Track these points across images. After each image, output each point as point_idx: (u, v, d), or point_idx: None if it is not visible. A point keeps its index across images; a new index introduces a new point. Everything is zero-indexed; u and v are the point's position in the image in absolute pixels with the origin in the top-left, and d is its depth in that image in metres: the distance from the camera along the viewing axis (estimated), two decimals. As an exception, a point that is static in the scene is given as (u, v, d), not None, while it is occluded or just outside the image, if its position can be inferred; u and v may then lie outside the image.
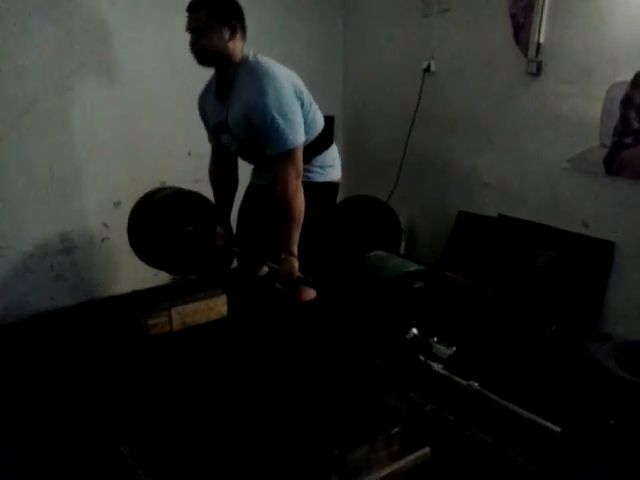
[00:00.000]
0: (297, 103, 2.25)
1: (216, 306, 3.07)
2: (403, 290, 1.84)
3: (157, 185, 3.46)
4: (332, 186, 2.61)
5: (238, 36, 2.25)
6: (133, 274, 3.06)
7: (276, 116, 2.16)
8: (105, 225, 3.54)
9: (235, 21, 2.24)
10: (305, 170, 2.40)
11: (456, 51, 3.53)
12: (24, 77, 3.10)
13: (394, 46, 3.94)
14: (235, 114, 2.27)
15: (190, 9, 2.23)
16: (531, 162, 3.22)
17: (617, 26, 2.75)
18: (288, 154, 2.20)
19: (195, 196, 2.80)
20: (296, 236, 2.29)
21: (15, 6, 3.00)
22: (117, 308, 3.31)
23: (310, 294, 2.56)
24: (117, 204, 3.53)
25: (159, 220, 2.72)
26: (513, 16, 3.16)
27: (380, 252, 2.08)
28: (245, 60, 2.27)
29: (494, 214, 3.45)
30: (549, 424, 2.03)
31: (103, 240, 3.54)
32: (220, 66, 2.31)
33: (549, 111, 3.08)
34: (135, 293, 3.16)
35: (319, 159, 2.49)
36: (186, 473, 1.99)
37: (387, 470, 1.96)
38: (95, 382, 2.60)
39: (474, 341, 2.79)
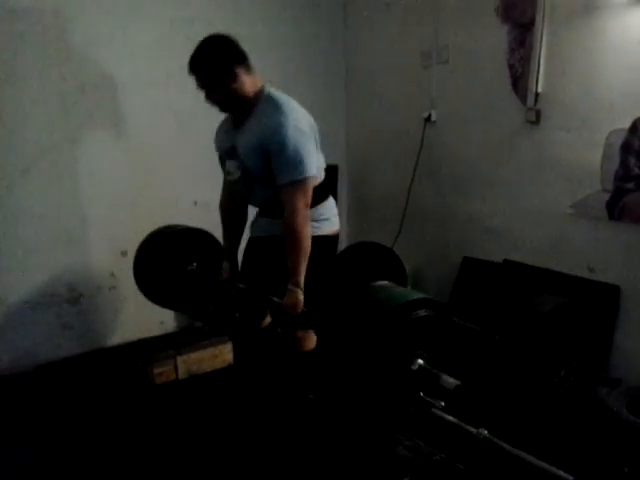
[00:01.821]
0: (312, 138, 2.31)
1: (221, 354, 3.07)
2: (407, 318, 1.81)
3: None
4: (328, 240, 2.54)
5: (243, 76, 2.29)
6: (139, 322, 3.08)
7: (293, 144, 2.19)
8: (112, 274, 3.57)
9: (235, 65, 2.27)
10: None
11: (456, 101, 3.61)
12: (33, 129, 3.20)
13: (396, 96, 4.04)
14: (249, 139, 2.30)
15: (191, 72, 2.32)
16: (534, 208, 3.25)
17: (613, 74, 2.81)
18: (300, 183, 2.21)
19: (200, 233, 2.84)
20: (303, 267, 2.27)
21: (27, 61, 3.11)
22: (123, 357, 3.32)
23: (311, 343, 2.53)
24: (124, 253, 3.55)
25: (163, 256, 2.76)
26: (511, 67, 3.24)
27: (384, 282, 2.06)
28: (262, 93, 2.33)
29: (499, 259, 3.46)
30: (562, 473, 2.00)
31: (110, 289, 3.57)
32: (239, 106, 2.36)
33: (550, 158, 3.12)
34: (141, 342, 3.16)
35: (314, 212, 2.41)
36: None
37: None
38: (101, 431, 2.58)
39: (482, 387, 2.77)
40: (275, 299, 2.36)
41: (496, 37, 3.28)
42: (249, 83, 2.31)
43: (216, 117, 3.77)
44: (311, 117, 2.42)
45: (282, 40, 4.05)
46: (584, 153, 2.96)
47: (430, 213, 3.92)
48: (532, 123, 3.18)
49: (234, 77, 2.26)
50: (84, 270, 3.49)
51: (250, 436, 2.42)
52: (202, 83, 2.32)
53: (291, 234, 2.25)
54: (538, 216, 3.23)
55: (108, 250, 3.54)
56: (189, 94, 3.62)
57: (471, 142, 3.57)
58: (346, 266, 3.54)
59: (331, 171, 4.43)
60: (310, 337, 2.54)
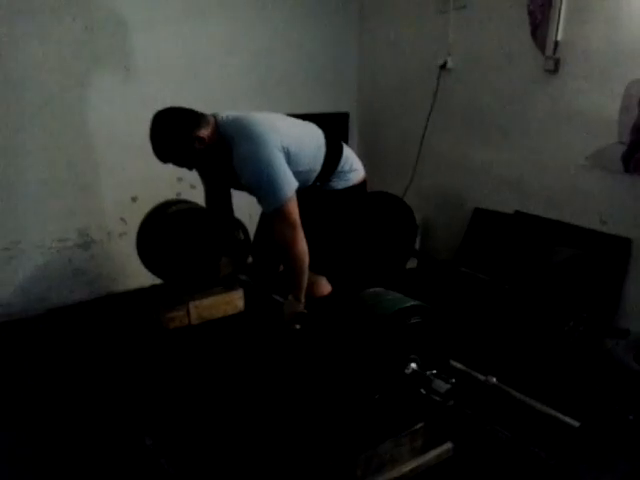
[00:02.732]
0: (279, 157, 2.22)
1: (233, 300, 3.09)
2: (400, 325, 1.85)
3: (174, 181, 3.54)
4: (356, 189, 2.60)
5: (203, 132, 2.23)
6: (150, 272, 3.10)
7: (259, 181, 2.19)
8: (122, 220, 3.58)
9: (192, 131, 2.22)
10: (328, 181, 2.49)
11: (473, 48, 3.53)
12: (44, 71, 3.16)
13: (410, 42, 3.96)
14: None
15: (163, 162, 2.30)
16: (548, 159, 3.22)
17: (636, 23, 2.74)
18: (279, 209, 2.22)
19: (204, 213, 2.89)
20: (302, 282, 2.32)
21: (35, 4, 3.04)
22: (136, 302, 3.36)
23: (324, 289, 2.59)
24: (134, 199, 3.58)
25: (168, 235, 2.83)
26: (531, 13, 3.15)
27: (377, 289, 2.10)
28: (220, 134, 2.27)
29: (510, 211, 3.45)
30: (568, 419, 2.05)
31: (121, 235, 3.59)
32: (217, 155, 2.31)
33: (567, 108, 3.07)
34: (154, 287, 3.19)
35: (339, 170, 2.51)
36: (207, 463, 2.02)
37: (411, 465, 1.98)
38: (115, 375, 2.63)
39: (492, 335, 2.81)
40: (277, 298, 2.46)
41: (517, -19, 3.19)
42: (210, 132, 2.25)
43: (228, 63, 3.76)
44: (279, 121, 2.36)
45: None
46: (602, 104, 2.91)
47: (443, 162, 3.89)
48: (550, 72, 3.12)
49: (200, 141, 2.23)
50: (95, 215, 3.51)
51: (262, 378, 2.47)
52: (179, 165, 2.32)
53: (285, 256, 2.29)
54: (552, 167, 3.20)
55: (118, 196, 3.55)
56: (202, 35, 3.62)
57: (487, 90, 3.51)
58: (365, 218, 3.55)
59: (342, 118, 4.43)
60: (322, 282, 2.60)
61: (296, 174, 2.32)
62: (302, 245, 2.26)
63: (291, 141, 2.28)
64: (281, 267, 2.74)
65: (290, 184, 2.21)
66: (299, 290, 2.31)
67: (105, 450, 2.16)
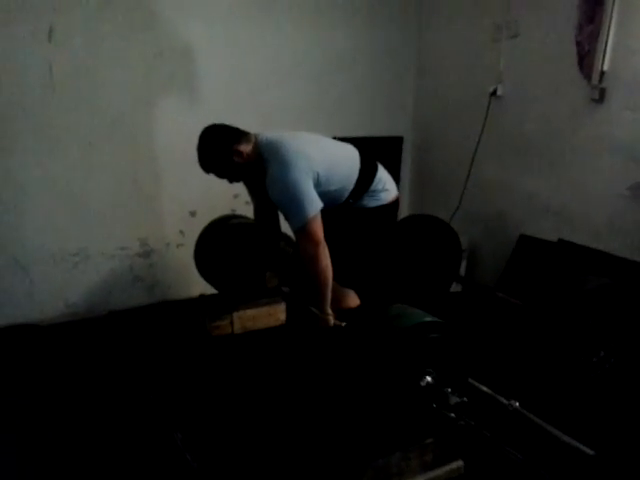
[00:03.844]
0: (306, 180, 2.38)
1: (275, 313, 3.24)
2: (418, 338, 1.95)
3: (230, 197, 3.75)
4: (387, 208, 2.73)
5: (243, 147, 2.46)
6: (202, 279, 3.31)
7: (285, 200, 2.39)
8: (181, 232, 3.83)
9: (233, 145, 2.45)
10: (360, 199, 2.64)
11: (522, 76, 3.58)
12: (115, 92, 3.46)
13: (463, 69, 4.05)
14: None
15: (206, 173, 2.57)
16: (591, 188, 3.22)
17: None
18: (303, 227, 2.38)
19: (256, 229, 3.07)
20: (327, 296, 2.47)
21: (112, 30, 3.36)
22: (186, 309, 3.58)
23: (352, 301, 2.71)
24: (193, 213, 3.81)
25: (227, 245, 3.03)
26: (578, 43, 3.18)
27: (400, 304, 2.20)
28: (258, 153, 2.48)
29: (554, 238, 3.45)
30: (583, 447, 2.06)
31: (178, 246, 3.84)
32: (254, 171, 2.52)
33: (611, 137, 3.08)
34: (202, 297, 3.39)
35: (371, 190, 2.65)
36: (227, 462, 2.16)
37: (419, 479, 2.03)
38: (161, 374, 2.84)
39: (520, 361, 2.83)
40: (314, 310, 2.57)
41: (566, 13, 3.23)
42: (250, 148, 2.48)
43: (287, 85, 3.95)
44: (310, 144, 2.51)
45: (354, 13, 4.13)
46: (646, 134, 2.90)
47: (490, 188, 3.93)
48: (596, 101, 3.13)
49: (239, 155, 2.45)
50: (156, 227, 3.77)
51: (293, 388, 2.60)
52: (220, 176, 2.57)
53: (308, 271, 2.45)
54: (595, 196, 3.20)
55: (178, 209, 3.81)
56: (261, 61, 3.84)
57: (534, 118, 3.55)
58: (402, 238, 3.65)
59: (396, 142, 4.54)
60: (350, 296, 2.76)
61: (328, 193, 2.48)
62: (325, 261, 2.41)
63: (321, 165, 2.44)
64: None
65: (314, 205, 2.36)
66: (323, 303, 2.46)
67: (138, 442, 2.35)
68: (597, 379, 2.61)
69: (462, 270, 4.02)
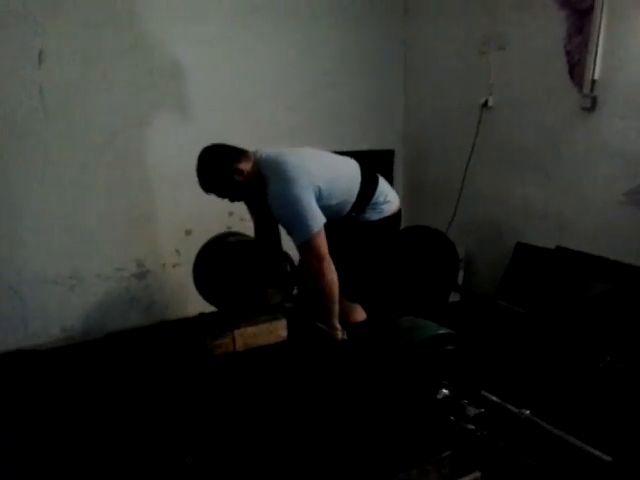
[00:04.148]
0: (308, 195, 2.37)
1: (276, 330, 3.21)
2: (434, 351, 1.95)
3: (225, 215, 3.73)
4: (389, 220, 2.73)
5: (243, 165, 2.44)
6: (201, 297, 3.27)
7: (288, 216, 2.38)
8: (177, 251, 3.80)
9: (233, 164, 2.43)
10: (362, 212, 2.63)
11: (513, 87, 3.63)
12: (106, 112, 3.43)
13: (453, 82, 4.09)
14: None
15: (207, 193, 2.53)
16: (587, 195, 3.26)
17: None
18: (307, 243, 2.37)
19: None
20: (334, 310, 2.45)
21: (102, 51, 3.34)
22: (185, 329, 3.54)
23: (358, 315, 2.70)
24: (188, 232, 3.79)
25: (225, 263, 2.98)
26: (568, 53, 3.23)
27: (409, 317, 2.20)
28: (258, 170, 2.47)
29: (552, 246, 3.48)
30: (599, 453, 2.06)
31: (174, 266, 3.80)
32: (254, 189, 2.50)
33: (604, 145, 3.12)
34: (202, 315, 3.36)
35: (373, 202, 2.65)
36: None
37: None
38: (163, 396, 2.79)
39: (527, 369, 2.83)
40: (320, 325, 2.57)
41: (554, 23, 3.29)
42: (250, 166, 2.46)
43: (278, 101, 3.96)
44: (311, 159, 2.51)
45: (342, 28, 4.16)
46: (638, 141, 2.94)
47: (485, 198, 3.96)
48: (587, 110, 3.18)
49: (239, 173, 2.44)
50: (151, 247, 3.74)
51: (299, 405, 2.57)
52: (221, 196, 2.54)
53: (314, 286, 2.44)
54: (591, 203, 3.24)
55: (173, 229, 3.77)
56: (251, 81, 3.85)
57: (527, 128, 3.59)
58: (400, 249, 3.65)
59: (387, 155, 4.57)
60: (357, 309, 2.75)
61: (330, 207, 2.47)
62: (330, 275, 2.40)
63: (322, 179, 2.43)
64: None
65: (317, 220, 2.35)
66: (330, 317, 2.44)
67: (148, 466, 2.30)
68: (605, 383, 2.62)
69: (460, 280, 4.03)
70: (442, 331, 2.01)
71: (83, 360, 3.29)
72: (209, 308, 3.27)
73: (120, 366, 3.17)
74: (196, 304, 3.44)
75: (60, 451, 2.44)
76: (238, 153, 2.46)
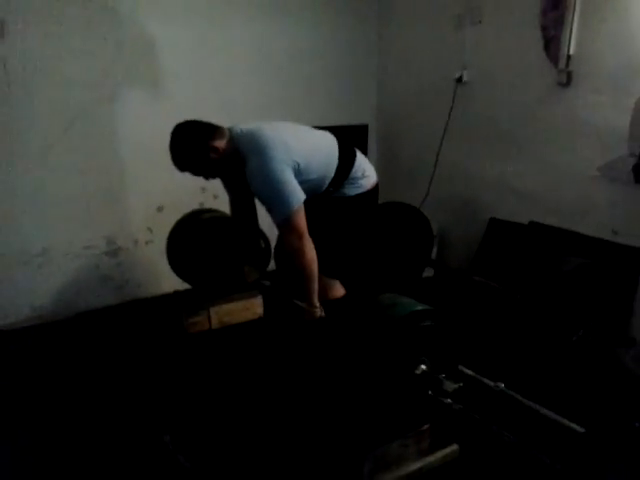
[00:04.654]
0: (287, 171, 2.33)
1: (252, 307, 3.20)
2: (412, 327, 1.95)
3: (197, 191, 3.67)
4: (367, 195, 2.71)
5: (218, 142, 2.38)
6: (174, 275, 3.23)
7: (267, 194, 2.34)
8: (149, 229, 3.73)
9: (208, 141, 2.37)
10: (340, 187, 2.60)
11: (488, 62, 3.62)
12: (75, 87, 3.32)
13: (427, 56, 4.05)
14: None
15: (181, 171, 2.47)
16: (561, 170, 3.27)
17: (647, 37, 2.80)
18: (287, 220, 2.34)
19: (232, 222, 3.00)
20: (313, 288, 2.42)
21: (68, 23, 3.22)
22: (159, 307, 3.49)
23: (337, 291, 2.70)
24: (160, 209, 3.72)
25: (200, 240, 2.95)
26: (544, 28, 3.22)
27: (390, 294, 2.20)
28: (234, 146, 2.41)
29: (525, 221, 3.50)
30: (573, 424, 2.10)
31: (147, 243, 3.74)
32: (231, 165, 2.45)
33: (579, 120, 3.13)
34: (176, 293, 3.32)
35: (352, 176, 2.63)
36: (220, 459, 2.12)
37: (416, 465, 2.05)
38: (138, 376, 2.76)
39: (502, 343, 2.87)
40: (299, 303, 2.54)
41: (529, -1, 3.27)
42: (225, 142, 2.40)
43: (251, 77, 3.89)
44: (288, 131, 2.47)
45: (317, 2, 4.09)
46: (614, 116, 2.96)
47: (459, 174, 3.97)
48: (563, 85, 3.18)
49: (214, 150, 2.37)
50: (122, 224, 3.66)
51: (278, 379, 2.57)
52: (196, 174, 2.48)
53: (294, 264, 2.40)
54: (565, 178, 3.26)
55: (145, 206, 3.71)
56: (223, 56, 3.76)
57: (502, 103, 3.59)
58: (376, 224, 3.63)
59: (361, 131, 4.53)
60: (335, 286, 2.73)
61: (308, 182, 2.44)
62: (310, 253, 2.37)
63: (301, 154, 2.40)
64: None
65: (296, 197, 2.32)
66: (310, 295, 2.42)
67: (126, 446, 2.27)
68: (578, 357, 2.67)
69: (433, 255, 4.04)
70: (420, 307, 2.02)
71: (54, 339, 3.23)
72: (183, 285, 3.24)
73: (92, 345, 3.12)
74: (169, 282, 3.41)
75: (33, 432, 2.40)
76: (213, 130, 2.40)
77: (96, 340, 3.18)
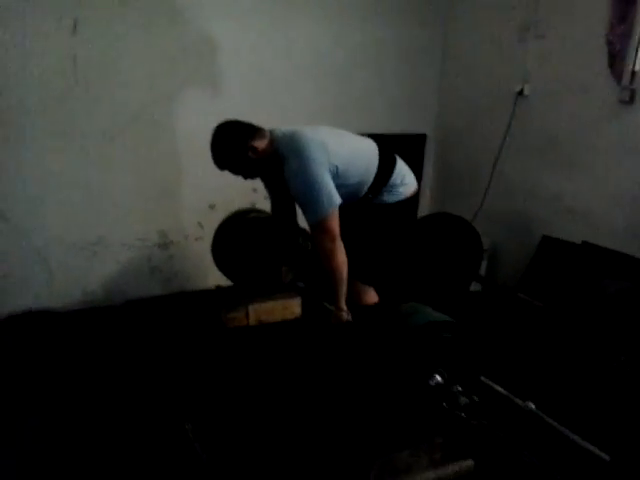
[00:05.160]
0: (325, 174, 2.34)
1: (290, 306, 3.22)
2: (427, 337, 1.93)
3: (249, 191, 3.75)
4: (406, 202, 2.69)
5: (258, 142, 2.42)
6: (218, 271, 3.32)
7: (304, 195, 2.36)
8: (200, 225, 3.84)
9: (248, 141, 2.40)
10: (379, 194, 2.59)
11: (550, 76, 3.53)
12: (136, 85, 3.47)
13: (489, 68, 4.00)
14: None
15: (221, 170, 2.52)
16: (617, 190, 3.16)
17: None
18: (320, 223, 2.35)
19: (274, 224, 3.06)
20: (342, 291, 2.43)
21: (135, 21, 3.37)
22: (203, 300, 3.59)
23: (370, 297, 2.68)
24: (212, 207, 3.82)
25: (244, 238, 3.00)
26: (609, 43, 3.11)
27: (413, 303, 2.17)
28: (274, 148, 2.44)
29: (578, 241, 3.38)
30: (598, 451, 2.01)
31: (197, 239, 3.85)
32: (270, 166, 2.48)
33: (638, 140, 3.01)
34: (219, 288, 3.40)
35: (391, 184, 2.61)
36: (236, 454, 2.15)
37: (426, 476, 2.00)
38: (174, 365, 2.84)
39: (540, 363, 2.77)
40: (327, 305, 2.58)
41: (596, 12, 3.17)
42: (265, 143, 2.44)
43: (308, 81, 3.94)
44: (329, 136, 2.47)
45: (381, 11, 4.10)
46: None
47: (514, 189, 3.88)
48: (625, 103, 3.07)
49: (254, 150, 2.41)
50: (175, 219, 3.79)
51: (305, 380, 2.58)
52: (235, 172, 2.52)
53: (324, 267, 2.42)
54: (620, 199, 3.14)
55: (198, 203, 3.81)
56: (283, 59, 3.84)
57: (562, 119, 3.49)
58: (423, 235, 3.61)
59: (419, 140, 4.51)
60: (369, 292, 2.72)
61: (346, 186, 2.45)
62: (341, 256, 2.38)
63: (340, 157, 2.40)
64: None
65: (332, 200, 2.33)
66: (338, 298, 2.42)
67: (151, 431, 2.36)
68: (617, 383, 2.54)
69: (483, 270, 3.96)
70: (439, 318, 1.99)
71: (102, 324, 3.38)
72: (226, 281, 3.31)
73: (137, 333, 3.24)
74: (215, 277, 3.48)
75: (70, 413, 2.51)
76: (253, 130, 2.45)
77: (141, 327, 3.31)
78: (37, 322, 3.32)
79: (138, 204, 3.63)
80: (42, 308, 3.42)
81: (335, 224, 2.38)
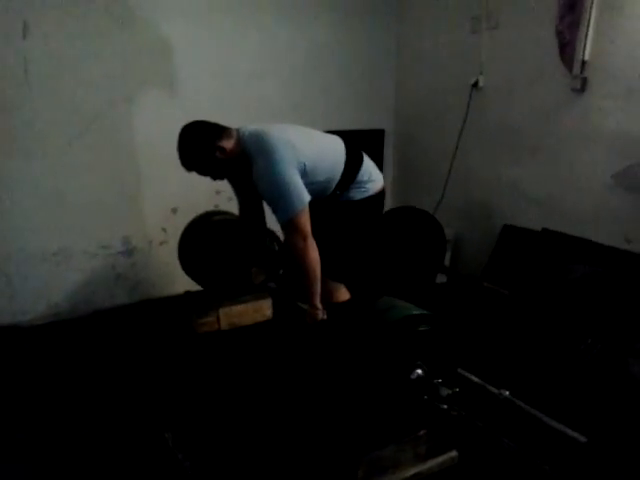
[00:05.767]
0: (293, 172, 2.34)
1: (261, 309, 3.23)
2: (407, 331, 1.95)
3: (212, 194, 3.71)
4: (373, 199, 2.70)
5: (225, 142, 2.40)
6: (186, 276, 3.28)
7: (272, 194, 2.34)
8: (163, 230, 3.79)
9: (215, 141, 2.39)
10: (346, 190, 2.60)
11: (503, 67, 3.59)
12: (93, 89, 3.39)
13: (444, 61, 4.05)
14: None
15: (188, 171, 2.49)
16: (575, 177, 3.24)
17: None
18: (291, 222, 2.35)
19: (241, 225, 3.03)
20: (316, 289, 2.43)
21: (88, 25, 3.29)
22: (171, 307, 3.55)
23: (342, 295, 2.70)
24: (174, 210, 3.77)
25: (210, 242, 3.02)
26: (559, 33, 3.19)
27: (388, 298, 2.20)
28: (241, 147, 2.42)
29: (538, 228, 3.47)
30: (576, 434, 2.08)
31: (161, 243, 3.80)
32: (238, 166, 2.46)
33: (593, 127, 3.09)
34: (188, 293, 3.36)
35: (357, 180, 2.62)
36: (218, 459, 2.14)
37: (413, 470, 2.03)
38: (146, 374, 2.80)
39: (508, 350, 2.84)
40: (302, 305, 2.56)
41: (546, 2, 3.24)
42: (232, 143, 2.42)
43: (268, 80, 3.92)
44: (296, 133, 2.47)
45: (334, 7, 4.11)
46: (628, 123, 2.92)
47: (473, 179, 3.95)
48: (577, 91, 3.15)
49: (221, 151, 2.39)
50: (138, 225, 3.72)
51: (281, 382, 2.59)
52: (203, 174, 2.50)
53: (297, 265, 2.41)
54: (579, 185, 3.22)
55: (160, 207, 3.76)
56: (240, 56, 3.80)
57: (517, 109, 3.56)
58: (387, 230, 3.64)
59: (378, 135, 4.55)
60: (341, 289, 2.72)
61: (314, 184, 2.45)
62: (314, 254, 2.38)
63: (307, 155, 2.40)
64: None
65: (301, 198, 2.33)
66: (313, 297, 2.42)
67: (129, 441, 2.31)
68: (585, 366, 2.63)
69: (447, 261, 4.03)
70: (417, 312, 2.01)
71: (70, 336, 3.30)
72: (194, 286, 3.28)
73: (107, 343, 3.18)
74: (182, 283, 3.46)
75: (44, 425, 2.45)
76: (220, 130, 2.43)
77: (110, 337, 3.25)
78: (1, 339, 3.22)
79: (100, 211, 3.56)
80: (6, 324, 3.33)
81: (306, 222, 2.38)
